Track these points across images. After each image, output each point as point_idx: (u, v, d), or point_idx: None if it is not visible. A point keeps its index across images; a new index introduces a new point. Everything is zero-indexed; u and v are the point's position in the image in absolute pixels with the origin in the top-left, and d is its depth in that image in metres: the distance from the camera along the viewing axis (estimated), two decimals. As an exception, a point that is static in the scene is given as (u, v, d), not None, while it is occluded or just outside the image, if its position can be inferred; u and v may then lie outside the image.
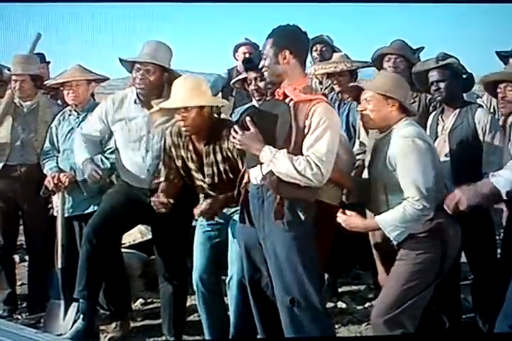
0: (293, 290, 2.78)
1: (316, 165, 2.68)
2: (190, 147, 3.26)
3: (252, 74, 3.47)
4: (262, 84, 3.38)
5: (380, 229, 2.81)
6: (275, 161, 2.71)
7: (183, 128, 3.20)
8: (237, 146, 2.86)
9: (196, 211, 3.23)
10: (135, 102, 3.55)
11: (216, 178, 3.22)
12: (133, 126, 3.55)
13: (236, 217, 3.20)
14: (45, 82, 4.16)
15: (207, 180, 3.25)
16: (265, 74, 2.89)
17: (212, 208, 3.21)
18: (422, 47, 4.31)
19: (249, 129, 2.79)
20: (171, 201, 3.25)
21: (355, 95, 3.08)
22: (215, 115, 3.27)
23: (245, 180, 2.95)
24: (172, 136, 3.31)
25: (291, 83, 2.82)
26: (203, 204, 3.22)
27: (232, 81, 3.89)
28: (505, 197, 2.60)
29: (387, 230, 2.78)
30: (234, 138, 2.83)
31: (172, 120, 3.39)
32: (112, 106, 3.60)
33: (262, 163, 2.79)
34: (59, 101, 4.31)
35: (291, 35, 2.87)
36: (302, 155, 2.72)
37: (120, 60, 3.61)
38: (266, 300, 2.96)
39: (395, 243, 2.81)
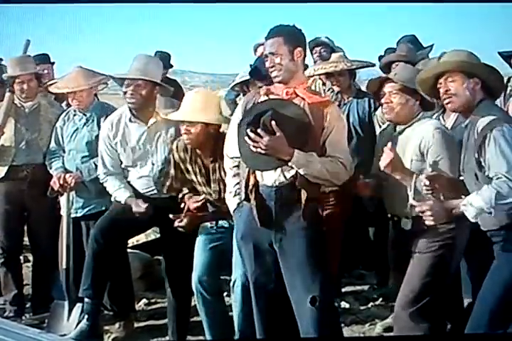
0: (314, 289, 2.79)
1: (348, 165, 2.79)
2: (199, 161, 3.29)
3: (259, 84, 3.31)
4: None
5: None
6: (308, 164, 2.72)
7: (186, 141, 3.22)
8: (260, 150, 2.72)
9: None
10: (130, 120, 3.57)
11: (223, 194, 3.22)
12: (135, 145, 3.57)
13: None
14: (50, 88, 4.11)
15: (213, 195, 3.30)
16: (275, 72, 2.82)
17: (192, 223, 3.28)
18: (432, 45, 4.32)
19: (274, 133, 2.70)
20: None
21: (374, 90, 3.07)
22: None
23: (252, 182, 2.91)
24: (179, 152, 3.33)
25: (295, 82, 2.82)
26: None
27: (232, 84, 3.85)
28: (473, 221, 2.60)
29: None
30: (255, 141, 2.71)
31: (170, 130, 3.46)
32: (110, 133, 3.60)
33: (281, 166, 2.77)
34: (64, 103, 4.30)
35: (298, 33, 2.88)
36: (325, 156, 2.77)
37: (111, 77, 3.68)
38: (270, 303, 2.95)
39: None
